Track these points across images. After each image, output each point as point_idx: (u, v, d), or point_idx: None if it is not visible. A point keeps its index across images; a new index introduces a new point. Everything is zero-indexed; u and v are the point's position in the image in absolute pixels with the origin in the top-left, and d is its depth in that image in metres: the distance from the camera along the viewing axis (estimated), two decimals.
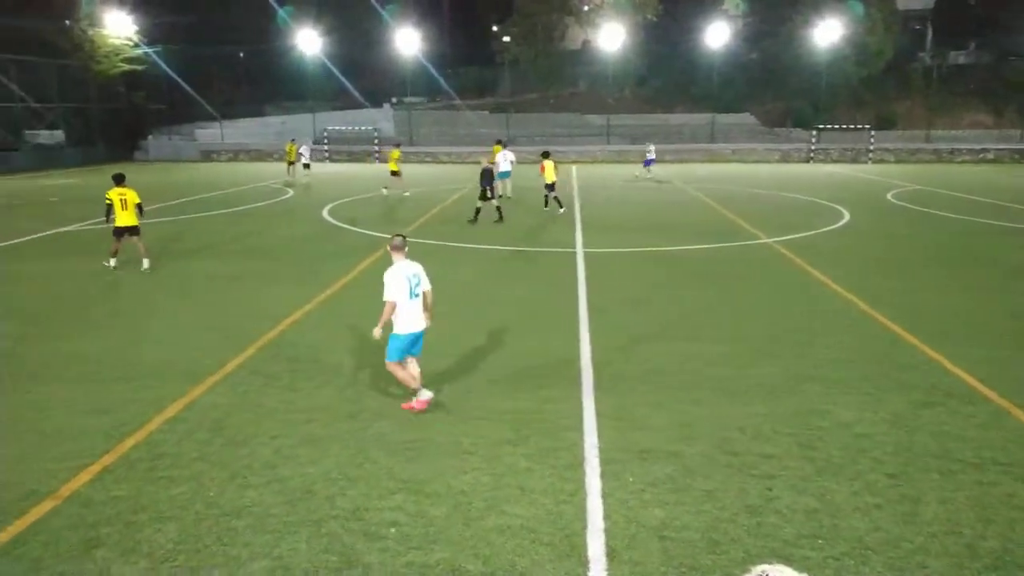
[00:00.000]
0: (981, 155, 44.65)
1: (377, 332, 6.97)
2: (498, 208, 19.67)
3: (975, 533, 5.11)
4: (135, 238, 13.75)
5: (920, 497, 5.58)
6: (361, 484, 5.78)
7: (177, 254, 15.22)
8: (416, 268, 7.10)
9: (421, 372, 7.37)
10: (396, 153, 26.63)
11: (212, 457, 6.22)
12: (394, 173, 25.99)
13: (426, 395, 7.22)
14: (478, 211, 19.45)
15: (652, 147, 34.06)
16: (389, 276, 6.89)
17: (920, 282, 12.87)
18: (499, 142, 27.16)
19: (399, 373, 7.14)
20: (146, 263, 13.69)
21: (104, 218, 13.78)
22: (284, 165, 33.21)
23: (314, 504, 5.48)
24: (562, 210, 21.29)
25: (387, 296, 6.85)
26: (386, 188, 26.82)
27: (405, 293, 6.89)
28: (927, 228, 19.08)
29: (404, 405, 7.24)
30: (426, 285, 7.17)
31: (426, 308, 7.18)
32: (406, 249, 7.08)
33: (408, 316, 6.98)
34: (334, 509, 5.41)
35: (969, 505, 5.47)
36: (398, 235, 7.17)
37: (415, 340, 7.11)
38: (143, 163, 45.24)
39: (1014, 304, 11.29)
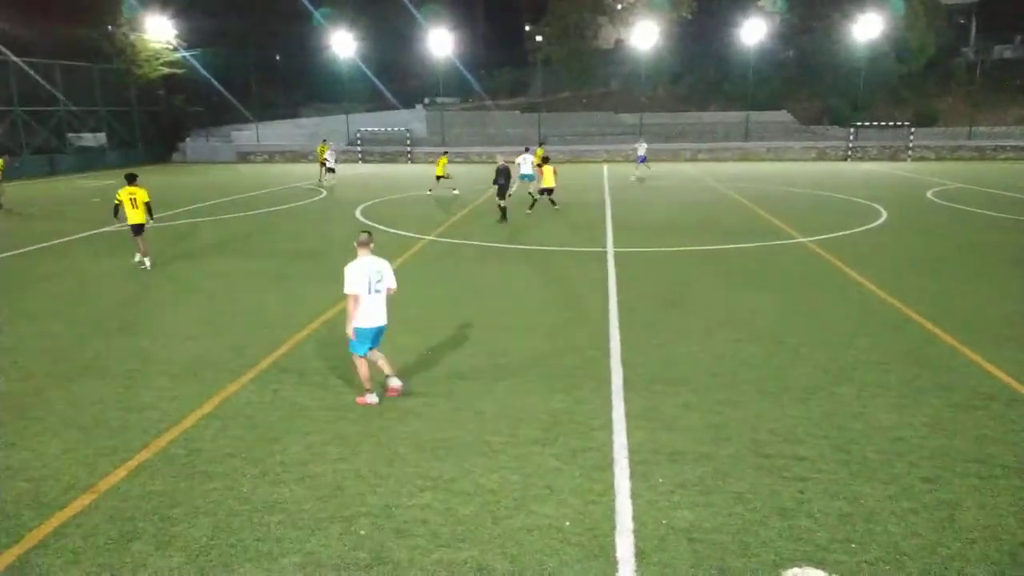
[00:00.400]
0: None
1: (349, 331, 7.17)
2: (502, 208, 19.69)
3: (1017, 540, 4.97)
4: (138, 238, 14.18)
5: (959, 502, 5.44)
6: (391, 482, 5.83)
7: (213, 252, 15.51)
8: (380, 265, 7.28)
9: (388, 359, 7.59)
10: (444, 160, 27.49)
11: (245, 453, 6.33)
12: (439, 177, 27.03)
13: (396, 387, 7.49)
14: (503, 210, 19.58)
15: (643, 144, 33.78)
16: (349, 270, 7.11)
17: (959, 282, 12.55)
18: (540, 144, 27.79)
19: (361, 369, 7.36)
20: (147, 262, 14.08)
21: (114, 217, 14.32)
22: (317, 167, 33.47)
23: (345, 501, 5.55)
24: (556, 207, 21.81)
25: (347, 289, 7.09)
26: (450, 190, 27.80)
27: (365, 287, 7.10)
28: (968, 227, 18.59)
29: (359, 399, 7.45)
30: (390, 283, 7.35)
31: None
32: (371, 246, 7.30)
33: (368, 310, 7.18)
34: (364, 506, 5.47)
35: (1011, 511, 5.32)
36: (364, 232, 7.41)
37: (377, 333, 7.32)
38: (181, 164, 46.21)
39: None
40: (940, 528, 5.11)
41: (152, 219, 14.38)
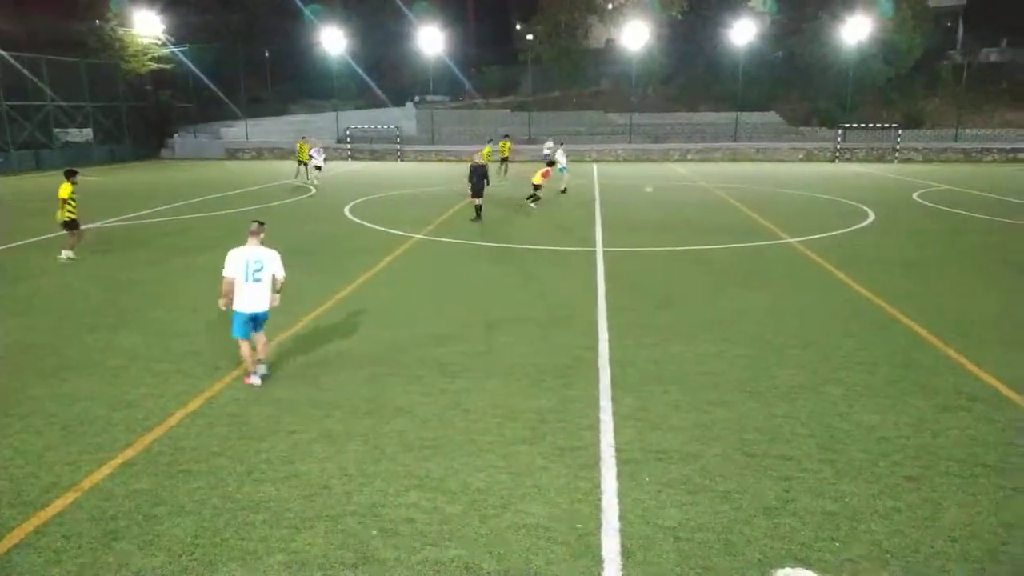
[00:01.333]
0: (1012, 155, 43.74)
1: (221, 303, 7.65)
2: (478, 208, 19.78)
3: (997, 538, 5.02)
4: (66, 232, 14.37)
5: (941, 501, 5.49)
6: (378, 480, 5.82)
7: (199, 249, 15.40)
8: (262, 254, 7.63)
9: (267, 342, 8.10)
10: (488, 149, 28.05)
11: (231, 451, 6.29)
12: (504, 160, 27.70)
13: (259, 374, 7.83)
14: (478, 208, 19.69)
15: (551, 143, 33.54)
16: (229, 255, 7.59)
17: (945, 283, 12.65)
18: (505, 136, 28.69)
19: (242, 349, 7.77)
20: (65, 254, 14.27)
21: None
22: (297, 165, 32.06)
23: (331, 499, 5.53)
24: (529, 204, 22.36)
25: (224, 272, 7.55)
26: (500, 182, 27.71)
27: (242, 274, 7.48)
28: (953, 228, 18.74)
29: (246, 380, 7.83)
30: (276, 272, 7.70)
31: (276, 290, 7.82)
32: (261, 236, 7.71)
33: (245, 296, 7.57)
34: (351, 505, 5.45)
35: (991, 510, 5.37)
36: (255, 221, 7.82)
37: (253, 319, 7.66)
38: (169, 161, 45.89)
39: None
40: (922, 527, 5.16)
41: (60, 214, 14.19)
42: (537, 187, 22.27)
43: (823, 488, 5.68)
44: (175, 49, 45.91)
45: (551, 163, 23.29)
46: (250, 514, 5.32)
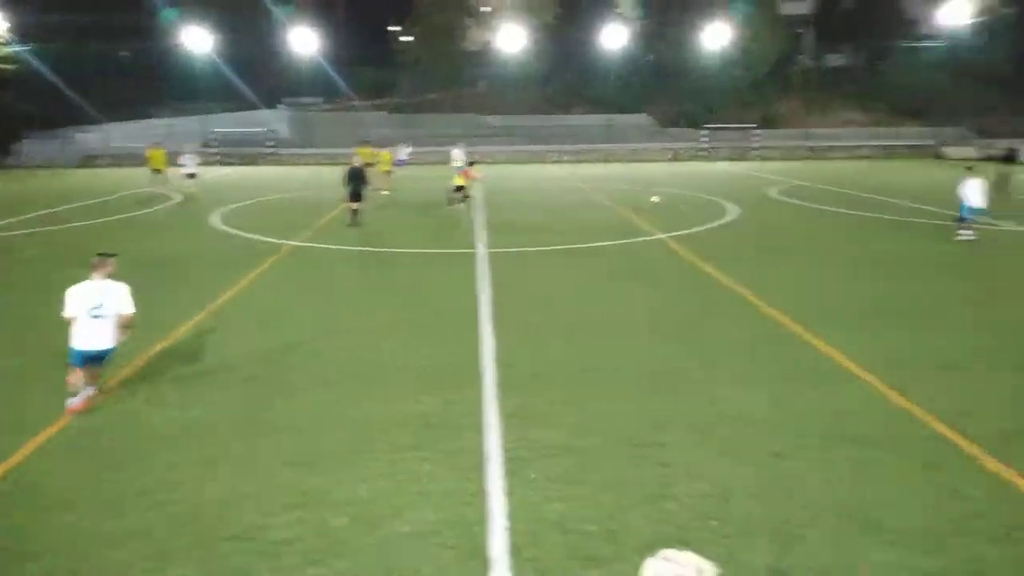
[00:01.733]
0: (855, 152, 47.85)
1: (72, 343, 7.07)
2: (354, 212, 19.22)
3: (854, 503, 5.44)
4: None
5: (804, 474, 5.89)
6: (256, 501, 5.55)
7: (51, 265, 14.16)
8: (105, 290, 7.15)
9: (101, 374, 7.47)
10: (388, 155, 27.89)
11: (91, 484, 5.80)
12: (387, 172, 27.22)
13: (78, 400, 7.09)
14: (355, 212, 19.13)
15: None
16: (68, 293, 7.10)
17: (799, 271, 13.64)
18: (364, 142, 28.82)
19: (71, 375, 7.10)
20: None
21: None
22: (165, 172, 28.77)
23: (204, 527, 5.22)
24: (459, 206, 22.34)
25: (64, 313, 7.05)
26: (385, 191, 26.48)
27: (83, 311, 7.00)
28: (805, 221, 20.29)
29: (68, 407, 7.07)
30: (122, 308, 7.23)
31: (124, 325, 7.32)
32: (108, 269, 7.27)
33: (84, 334, 7.05)
34: (226, 530, 5.17)
35: (845, 480, 5.81)
36: (98, 255, 7.35)
37: (96, 357, 7.17)
38: (15, 169, 42.03)
39: (883, 288, 12.15)
40: (787, 499, 5.51)
41: None
42: (459, 188, 22.24)
43: (699, 471, 5.96)
44: (18, 49, 42.09)
45: (472, 163, 23.68)
46: (115, 550, 4.93)
